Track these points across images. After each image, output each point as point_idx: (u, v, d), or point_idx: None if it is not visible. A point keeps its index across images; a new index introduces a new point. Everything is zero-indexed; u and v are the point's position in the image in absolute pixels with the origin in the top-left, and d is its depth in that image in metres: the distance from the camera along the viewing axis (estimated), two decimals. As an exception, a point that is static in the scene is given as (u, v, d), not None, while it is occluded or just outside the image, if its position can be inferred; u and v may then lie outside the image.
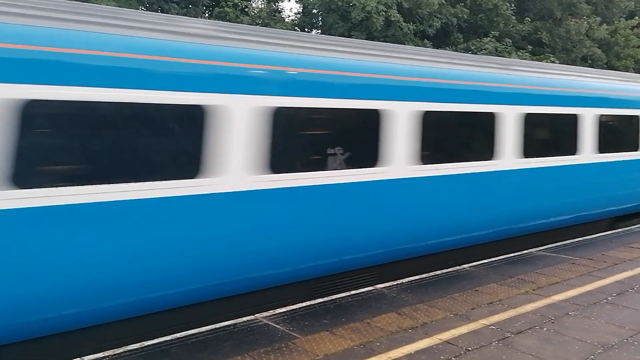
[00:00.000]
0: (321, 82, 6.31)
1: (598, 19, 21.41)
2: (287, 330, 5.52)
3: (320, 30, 18.93)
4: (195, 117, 5.35)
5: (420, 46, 14.90)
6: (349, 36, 14.17)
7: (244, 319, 5.77)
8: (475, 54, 15.46)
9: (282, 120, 5.89)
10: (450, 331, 5.56)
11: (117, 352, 4.96)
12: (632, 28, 21.63)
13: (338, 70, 6.49)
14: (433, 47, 15.12)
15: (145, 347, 5.08)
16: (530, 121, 8.54)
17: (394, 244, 7.12)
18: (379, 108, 6.69)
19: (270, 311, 5.98)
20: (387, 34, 14.28)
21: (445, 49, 15.40)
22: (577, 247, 9.21)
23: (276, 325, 5.65)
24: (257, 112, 5.67)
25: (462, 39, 16.38)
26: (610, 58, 20.42)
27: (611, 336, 5.47)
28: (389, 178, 6.81)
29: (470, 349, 5.17)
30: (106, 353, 4.94)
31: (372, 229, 6.75)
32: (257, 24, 17.78)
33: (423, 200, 7.24)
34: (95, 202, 4.76)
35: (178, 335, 5.34)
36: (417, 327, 5.68)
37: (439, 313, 6.07)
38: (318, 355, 5.01)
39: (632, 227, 11.49)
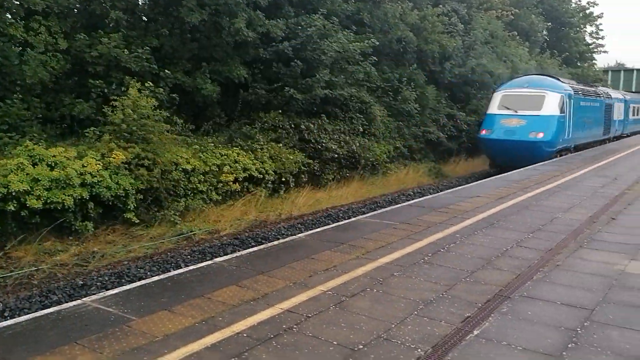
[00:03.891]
0: None
1: (410, 4, 23.33)
2: (120, 313, 5.15)
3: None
4: None
5: (253, 17, 14.74)
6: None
7: (70, 304, 5.24)
8: (305, 29, 15.81)
9: None
10: (290, 300, 5.71)
11: None
12: (438, 16, 23.97)
13: None
14: (265, 19, 15.10)
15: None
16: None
17: None
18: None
19: (100, 294, 5.51)
20: (219, 2, 13.81)
21: (277, 21, 15.47)
22: (398, 213, 10.11)
23: (108, 309, 5.23)
24: None
25: (294, 14, 16.59)
26: (420, 42, 22.41)
27: (429, 292, 6.12)
28: None
29: (310, 315, 5.36)
30: None
31: None
32: None
33: None
34: None
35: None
36: (258, 298, 5.72)
37: (279, 283, 6.19)
38: (157, 337, 4.76)
39: (440, 193, 13.02)
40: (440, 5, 25.20)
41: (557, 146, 20.60)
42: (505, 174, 17.90)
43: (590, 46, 50.18)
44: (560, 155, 21.03)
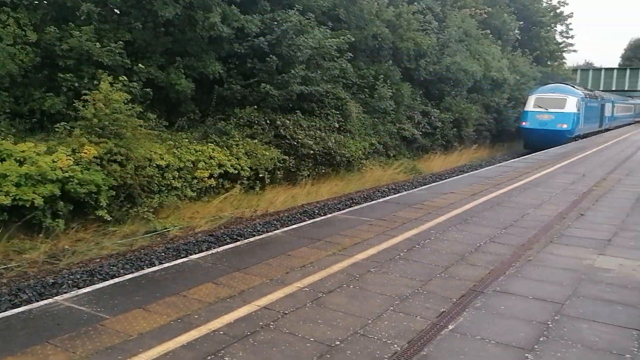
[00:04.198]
0: None
1: (386, 1, 23.42)
2: (93, 312, 5.06)
3: None
4: None
5: (227, 12, 14.60)
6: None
7: (41, 303, 5.13)
8: (281, 24, 15.73)
9: None
10: (267, 296, 5.70)
11: None
12: (414, 13, 24.12)
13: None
14: (240, 13, 14.97)
15: None
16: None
17: None
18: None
19: (72, 292, 5.40)
20: (192, 0, 13.65)
21: (252, 17, 15.37)
22: (373, 209, 10.17)
23: (80, 307, 5.13)
24: None
25: (269, 9, 16.48)
26: (395, 39, 22.53)
27: (405, 288, 6.18)
28: None
29: (287, 312, 5.36)
30: None
31: None
32: None
33: None
34: None
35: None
36: (235, 295, 5.69)
37: (255, 280, 6.17)
38: (131, 335, 4.69)
39: (415, 189, 13.14)
40: (415, 3, 25.35)
41: (574, 134, 28.78)
42: (478, 170, 18.19)
43: (561, 45, 51.20)
44: (575, 140, 28.79)
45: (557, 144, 25.72)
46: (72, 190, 9.79)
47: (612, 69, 56.77)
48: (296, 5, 16.48)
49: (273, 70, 15.46)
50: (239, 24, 14.98)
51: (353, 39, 18.33)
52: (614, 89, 52.16)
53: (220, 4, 14.44)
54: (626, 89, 53.85)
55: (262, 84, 15.17)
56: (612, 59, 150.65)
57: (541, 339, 4.98)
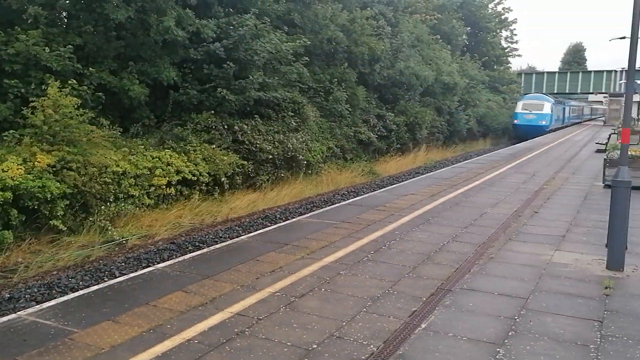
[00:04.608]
0: None
1: (340, 5, 23.64)
2: (61, 326, 4.87)
3: None
4: None
5: (182, 16, 14.37)
6: None
7: (4, 319, 4.88)
8: (237, 29, 15.61)
9: None
10: (240, 303, 5.64)
11: None
12: (367, 18, 24.44)
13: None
14: (195, 17, 14.77)
15: None
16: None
17: None
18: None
19: (37, 307, 5.17)
20: (145, 3, 13.36)
21: (208, 21, 15.19)
22: (337, 212, 10.23)
23: (46, 322, 4.93)
24: None
25: (224, 14, 16.33)
26: (350, 43, 22.77)
27: (376, 289, 6.25)
28: None
29: (261, 317, 5.32)
30: None
31: None
32: None
33: None
34: None
35: None
36: (206, 303, 5.60)
37: (226, 286, 6.09)
38: (103, 348, 4.54)
39: (376, 191, 13.29)
40: (369, 8, 25.69)
41: (549, 128, 40.69)
42: (434, 172, 18.59)
43: (506, 50, 53.08)
44: (549, 133, 40.13)
45: (538, 135, 37.33)
46: (24, 199, 9.37)
47: (554, 72, 59.41)
48: (252, 9, 16.41)
49: (230, 76, 15.31)
50: (194, 28, 14.76)
51: (309, 43, 18.40)
52: (555, 92, 54.58)
53: (174, 7, 14.20)
54: (567, 91, 56.43)
55: (219, 89, 15.00)
56: (553, 63, 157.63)
57: (510, 334, 5.14)
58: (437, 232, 8.94)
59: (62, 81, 11.44)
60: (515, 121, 40.09)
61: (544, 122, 39.85)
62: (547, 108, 40.65)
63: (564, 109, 50.12)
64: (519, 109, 40.69)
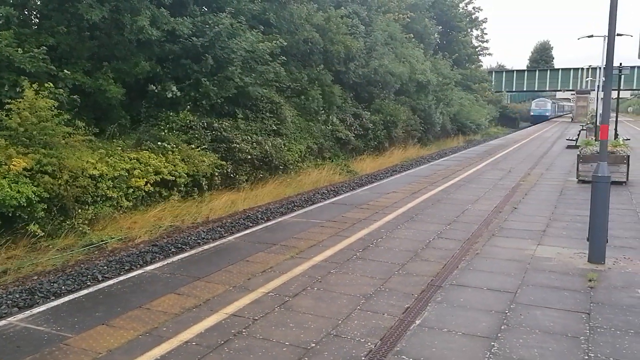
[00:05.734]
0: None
1: (315, 5, 23.65)
2: (54, 331, 4.76)
3: None
4: None
5: (156, 15, 14.17)
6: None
7: (-7, 327, 4.75)
8: (213, 27, 15.48)
9: None
10: (234, 304, 5.61)
11: None
12: (342, 17, 24.52)
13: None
14: (170, 16, 14.59)
15: None
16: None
17: None
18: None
19: (27, 312, 5.04)
20: (118, 3, 13.14)
21: (183, 19, 15.02)
22: (321, 212, 10.25)
23: (38, 327, 4.81)
24: None
25: (199, 12, 16.17)
26: (326, 42, 22.81)
27: (368, 287, 6.29)
28: None
29: (256, 318, 5.31)
30: None
31: None
32: None
33: None
34: None
35: None
36: (200, 305, 5.55)
37: (218, 288, 6.05)
38: (100, 353, 4.47)
39: (358, 190, 13.37)
40: (343, 7, 25.79)
41: (550, 117, 69.87)
42: (413, 169, 18.78)
43: (477, 49, 53.96)
44: (550, 120, 68.58)
45: (544, 120, 64.63)
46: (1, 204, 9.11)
47: (523, 70, 60.69)
48: (227, 8, 16.30)
49: (207, 73, 15.19)
50: (169, 26, 14.58)
51: (285, 43, 18.36)
52: (525, 89, 55.85)
53: (149, 7, 13.99)
54: (536, 89, 57.71)
55: (203, 79, 14.91)
56: (521, 61, 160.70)
57: (502, 327, 5.24)
58: (422, 230, 9.05)
59: (38, 83, 11.18)
60: (532, 113, 67.77)
61: (547, 113, 68.15)
62: (549, 105, 69.46)
63: (556, 106, 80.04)
64: (533, 106, 68.91)
